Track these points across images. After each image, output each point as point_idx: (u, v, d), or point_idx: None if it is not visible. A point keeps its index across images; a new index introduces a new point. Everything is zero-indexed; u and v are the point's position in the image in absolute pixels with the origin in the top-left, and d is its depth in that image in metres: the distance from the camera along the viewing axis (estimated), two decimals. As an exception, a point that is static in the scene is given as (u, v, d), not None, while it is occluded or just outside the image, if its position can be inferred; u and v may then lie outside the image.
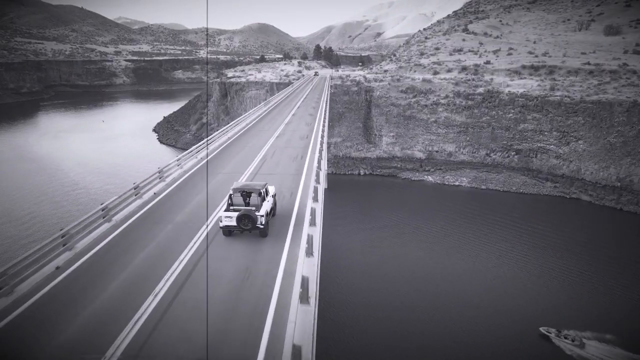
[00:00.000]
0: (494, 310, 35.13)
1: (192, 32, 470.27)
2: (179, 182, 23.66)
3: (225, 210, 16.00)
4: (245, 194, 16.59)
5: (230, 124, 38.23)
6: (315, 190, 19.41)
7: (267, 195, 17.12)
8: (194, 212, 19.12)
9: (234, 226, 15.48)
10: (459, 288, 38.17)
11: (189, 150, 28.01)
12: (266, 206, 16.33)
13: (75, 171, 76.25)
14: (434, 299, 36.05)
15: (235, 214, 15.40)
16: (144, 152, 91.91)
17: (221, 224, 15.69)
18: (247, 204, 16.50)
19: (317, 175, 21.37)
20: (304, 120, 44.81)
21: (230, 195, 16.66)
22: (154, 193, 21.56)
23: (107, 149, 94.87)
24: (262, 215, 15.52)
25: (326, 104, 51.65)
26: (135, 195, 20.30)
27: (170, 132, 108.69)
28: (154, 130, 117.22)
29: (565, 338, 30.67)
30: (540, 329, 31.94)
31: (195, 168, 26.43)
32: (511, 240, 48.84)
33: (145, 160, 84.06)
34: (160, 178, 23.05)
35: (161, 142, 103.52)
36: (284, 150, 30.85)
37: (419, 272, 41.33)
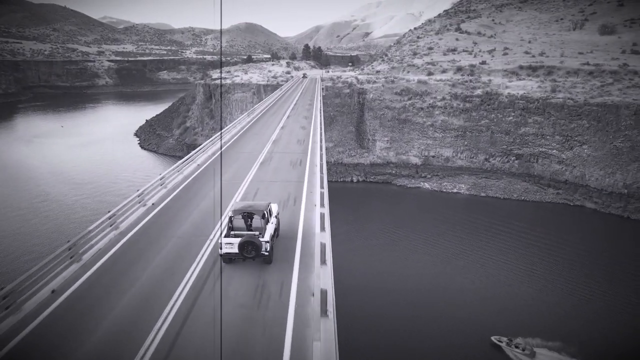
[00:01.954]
0: (453, 318, 34.50)
1: (179, 32, 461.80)
2: (101, 261, 14.87)
3: (226, 236, 14.32)
4: (247, 215, 15.08)
5: (201, 146, 29.87)
6: (324, 299, 11.21)
7: (270, 216, 15.56)
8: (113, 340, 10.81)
9: (236, 254, 14.01)
10: (436, 302, 37.16)
11: (134, 196, 19.16)
12: (270, 229, 14.85)
13: (47, 180, 70.81)
14: (417, 312, 35.52)
15: (237, 240, 13.93)
16: (122, 159, 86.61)
17: (221, 251, 14.13)
18: (249, 227, 15.05)
19: (323, 250, 13.95)
20: (294, 135, 37.13)
21: (231, 217, 15.05)
22: (53, 291, 12.99)
23: (85, 155, 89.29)
24: (267, 241, 14.09)
25: (320, 112, 45.11)
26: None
27: (152, 137, 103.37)
28: (136, 134, 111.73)
29: (516, 347, 30.50)
30: (492, 338, 31.56)
31: (140, 226, 17.77)
32: (510, 251, 46.31)
33: (121, 168, 78.84)
34: (71, 258, 14.16)
35: (142, 147, 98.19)
36: (271, 186, 22.75)
37: (418, 295, 37.83)
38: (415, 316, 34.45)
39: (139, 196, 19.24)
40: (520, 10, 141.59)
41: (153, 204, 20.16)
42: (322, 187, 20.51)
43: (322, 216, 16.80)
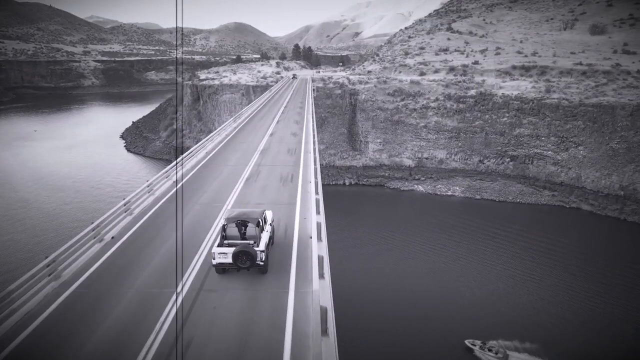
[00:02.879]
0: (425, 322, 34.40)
1: (167, 32, 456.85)
2: (27, 332, 10.95)
3: (219, 246, 13.69)
4: (241, 223, 14.46)
5: (179, 158, 26.11)
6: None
7: (265, 223, 14.82)
8: None
9: (230, 264, 13.33)
10: (420, 306, 36.66)
11: (88, 229, 15.45)
12: (265, 237, 14.18)
13: (27, 186, 67.87)
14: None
15: (231, 250, 13.23)
16: (107, 162, 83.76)
17: (214, 262, 13.44)
18: (243, 235, 14.48)
19: (324, 317, 10.33)
20: (285, 143, 33.14)
21: (224, 226, 14.31)
22: None
23: (68, 159, 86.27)
24: (262, 251, 13.40)
25: (312, 116, 42.09)
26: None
27: (138, 139, 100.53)
28: (122, 136, 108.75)
29: (490, 350, 30.35)
30: (466, 341, 31.42)
31: (88, 273, 13.89)
32: (503, 256, 45.36)
33: (104, 172, 76.02)
34: None
35: (129, 150, 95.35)
36: (258, 209, 16.98)
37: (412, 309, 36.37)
38: (396, 318, 34.21)
39: (94, 229, 15.47)
40: (510, 10, 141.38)
41: (113, 237, 16.45)
42: (318, 211, 17.08)
43: (320, 260, 12.99)
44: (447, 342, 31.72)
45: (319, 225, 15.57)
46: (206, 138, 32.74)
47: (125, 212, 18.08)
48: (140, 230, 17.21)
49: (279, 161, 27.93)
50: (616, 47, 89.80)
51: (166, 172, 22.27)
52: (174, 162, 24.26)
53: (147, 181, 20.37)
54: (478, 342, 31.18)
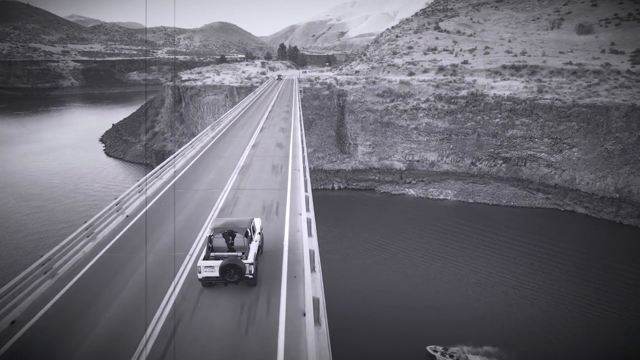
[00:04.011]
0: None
1: (150, 32, 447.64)
2: None
3: (205, 258, 12.90)
4: (228, 233, 13.73)
5: (142, 179, 21.61)
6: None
7: (254, 233, 14.08)
8: None
9: (217, 278, 12.59)
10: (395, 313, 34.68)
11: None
12: (254, 248, 13.38)
13: (-4, 195, 63.73)
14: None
15: (218, 263, 12.49)
16: (85, 167, 79.72)
17: (200, 276, 12.71)
18: (231, 246, 13.69)
19: None
20: (269, 158, 28.73)
21: (210, 237, 13.49)
22: None
23: (43, 164, 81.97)
24: (251, 263, 12.55)
25: (300, 122, 38.23)
26: None
27: (118, 143, 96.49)
28: (101, 140, 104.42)
29: (451, 356, 30.19)
30: (427, 348, 31.08)
31: None
32: (496, 261, 43.45)
33: (79, 178, 72.07)
34: None
35: (108, 154, 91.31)
36: None
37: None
38: (360, 324, 33.31)
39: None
40: (497, 10, 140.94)
41: (13, 322, 11.16)
42: (313, 267, 13.04)
43: None
44: (408, 348, 30.99)
45: (316, 301, 10.61)
46: (176, 153, 28.21)
47: (45, 273, 12.89)
48: (67, 298, 12.10)
49: (262, 183, 23.54)
50: (603, 46, 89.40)
51: (117, 203, 17.83)
52: (127, 191, 19.45)
53: (86, 222, 15.38)
54: (440, 348, 30.69)
